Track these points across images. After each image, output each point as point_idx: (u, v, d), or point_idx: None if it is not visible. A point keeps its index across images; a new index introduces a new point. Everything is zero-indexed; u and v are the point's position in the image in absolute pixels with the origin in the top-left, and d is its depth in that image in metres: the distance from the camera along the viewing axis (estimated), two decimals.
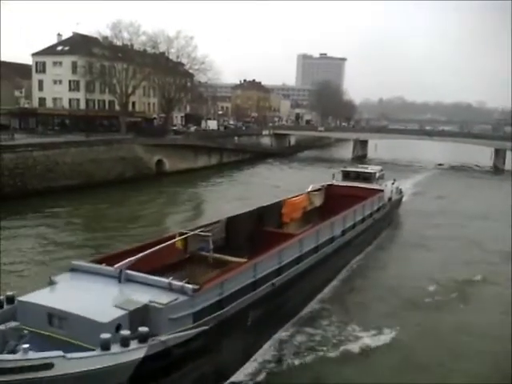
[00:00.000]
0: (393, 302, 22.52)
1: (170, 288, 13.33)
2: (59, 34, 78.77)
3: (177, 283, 13.42)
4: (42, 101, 76.13)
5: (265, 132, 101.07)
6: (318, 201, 31.70)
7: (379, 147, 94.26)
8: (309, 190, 32.05)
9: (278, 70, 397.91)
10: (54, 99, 75.43)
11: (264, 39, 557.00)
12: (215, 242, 19.20)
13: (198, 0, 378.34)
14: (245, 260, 17.50)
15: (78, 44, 73.43)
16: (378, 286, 24.99)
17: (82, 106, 74.28)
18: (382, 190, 34.67)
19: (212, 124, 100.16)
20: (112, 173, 54.94)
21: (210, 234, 18.47)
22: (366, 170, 37.89)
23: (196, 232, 18.35)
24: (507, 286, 24.38)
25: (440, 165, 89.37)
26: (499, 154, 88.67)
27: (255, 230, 23.21)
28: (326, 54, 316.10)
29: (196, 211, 44.38)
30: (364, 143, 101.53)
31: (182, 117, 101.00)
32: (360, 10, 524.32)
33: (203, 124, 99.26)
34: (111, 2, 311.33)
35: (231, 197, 48.19)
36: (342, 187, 34.52)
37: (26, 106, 79.53)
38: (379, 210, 32.99)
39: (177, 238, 17.63)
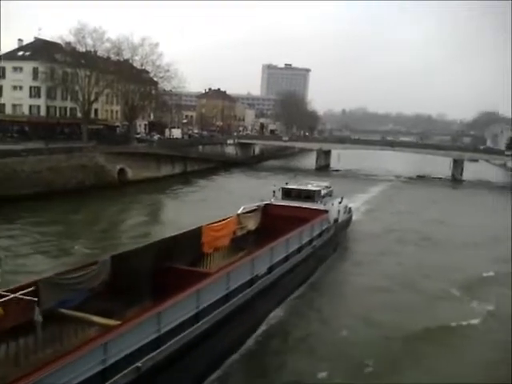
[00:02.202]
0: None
1: None
2: (20, 39, 77.31)
3: None
4: (1, 107, 74.21)
5: (229, 141, 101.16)
6: (251, 224, 27.56)
7: (342, 157, 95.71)
8: (240, 211, 27.68)
9: (243, 79, 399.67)
10: (14, 106, 73.77)
11: (230, 48, 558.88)
12: (92, 290, 14.84)
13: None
14: (117, 323, 12.26)
15: (40, 49, 72.01)
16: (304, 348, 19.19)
17: (43, 112, 72.90)
18: (327, 211, 30.94)
19: (176, 132, 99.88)
20: (72, 181, 53.95)
21: (75, 281, 14.10)
22: (309, 188, 33.77)
23: (17, 295, 12.26)
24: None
25: (400, 176, 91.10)
26: (457, 164, 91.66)
27: (157, 269, 18.30)
28: (290, 65, 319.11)
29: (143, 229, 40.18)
30: (327, 153, 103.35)
31: (145, 125, 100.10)
32: (325, 17, 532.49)
33: (167, 132, 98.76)
34: (75, 8, 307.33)
35: (188, 211, 45.77)
36: (280, 207, 30.51)
37: None
38: (322, 235, 29.07)
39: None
